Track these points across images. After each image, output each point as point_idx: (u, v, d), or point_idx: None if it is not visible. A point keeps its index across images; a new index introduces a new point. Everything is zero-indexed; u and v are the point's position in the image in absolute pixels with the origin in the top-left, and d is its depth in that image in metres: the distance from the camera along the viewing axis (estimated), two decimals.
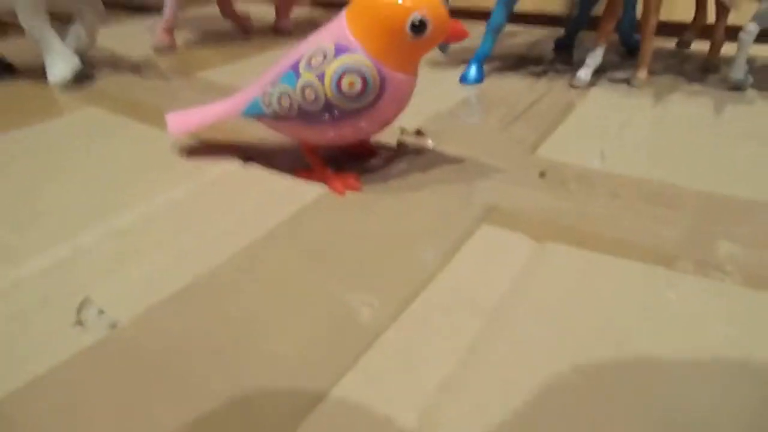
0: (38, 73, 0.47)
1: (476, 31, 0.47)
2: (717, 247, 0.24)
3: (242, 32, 0.63)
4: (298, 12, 0.68)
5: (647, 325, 0.20)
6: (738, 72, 0.42)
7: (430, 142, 0.35)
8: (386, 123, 0.29)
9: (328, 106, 0.27)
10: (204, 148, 0.35)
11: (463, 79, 0.46)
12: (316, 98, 0.26)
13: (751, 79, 0.43)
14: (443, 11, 0.26)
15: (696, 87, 0.45)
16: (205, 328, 0.21)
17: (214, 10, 0.64)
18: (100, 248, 0.25)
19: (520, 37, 0.60)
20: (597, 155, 0.34)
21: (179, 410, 0.17)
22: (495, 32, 0.46)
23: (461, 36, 0.27)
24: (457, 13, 0.50)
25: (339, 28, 0.26)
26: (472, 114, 0.41)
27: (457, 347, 0.19)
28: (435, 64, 0.51)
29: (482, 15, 0.46)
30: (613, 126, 0.38)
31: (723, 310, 0.21)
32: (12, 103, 0.44)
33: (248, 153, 0.34)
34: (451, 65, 0.50)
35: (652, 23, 0.42)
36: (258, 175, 0.32)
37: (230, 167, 0.32)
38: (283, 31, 0.63)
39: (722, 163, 0.32)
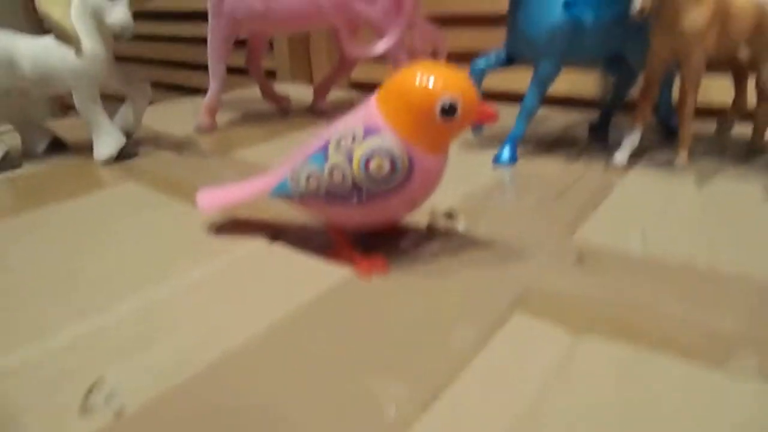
0: (87, 150, 0.49)
1: (510, 114, 0.47)
2: None
3: (281, 112, 0.66)
4: (336, 93, 0.71)
5: None
6: None
7: (461, 225, 0.34)
8: (415, 205, 0.28)
9: (356, 188, 0.26)
10: (234, 225, 0.35)
11: (497, 160, 0.46)
12: (344, 180, 0.26)
13: None
14: (473, 94, 0.26)
15: (741, 170, 0.43)
16: (216, 418, 0.19)
17: (255, 92, 0.67)
18: (117, 329, 0.25)
19: (555, 120, 0.60)
20: (638, 239, 0.32)
21: None
22: (528, 115, 0.46)
23: (491, 119, 0.27)
24: (490, 95, 0.51)
25: (369, 110, 0.27)
26: (506, 195, 0.40)
27: None
28: (468, 145, 0.51)
29: (516, 97, 0.47)
30: (655, 208, 0.36)
31: None
32: (59, 177, 0.46)
33: (277, 232, 0.33)
34: (484, 147, 0.50)
35: (690, 104, 0.41)
36: (285, 255, 0.31)
37: (258, 246, 0.32)
38: (320, 111, 0.65)
39: None
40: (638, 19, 0.37)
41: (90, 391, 0.21)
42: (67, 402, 0.20)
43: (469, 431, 0.19)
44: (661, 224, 0.34)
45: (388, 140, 0.25)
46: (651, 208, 0.36)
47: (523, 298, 0.26)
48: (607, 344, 0.23)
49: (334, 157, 0.26)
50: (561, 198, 0.39)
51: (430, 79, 0.25)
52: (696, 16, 0.38)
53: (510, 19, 0.45)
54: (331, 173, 0.26)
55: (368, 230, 0.32)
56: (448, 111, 0.25)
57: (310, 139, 0.29)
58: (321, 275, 0.29)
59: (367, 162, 0.26)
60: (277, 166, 0.30)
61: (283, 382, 0.21)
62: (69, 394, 0.21)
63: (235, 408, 0.20)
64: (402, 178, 0.26)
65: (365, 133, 0.26)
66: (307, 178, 0.27)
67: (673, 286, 0.27)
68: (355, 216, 0.28)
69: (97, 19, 0.45)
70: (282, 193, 0.29)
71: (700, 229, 0.33)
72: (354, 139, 0.26)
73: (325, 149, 0.27)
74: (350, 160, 0.26)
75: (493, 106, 0.27)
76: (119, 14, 0.44)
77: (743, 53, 0.45)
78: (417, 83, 0.25)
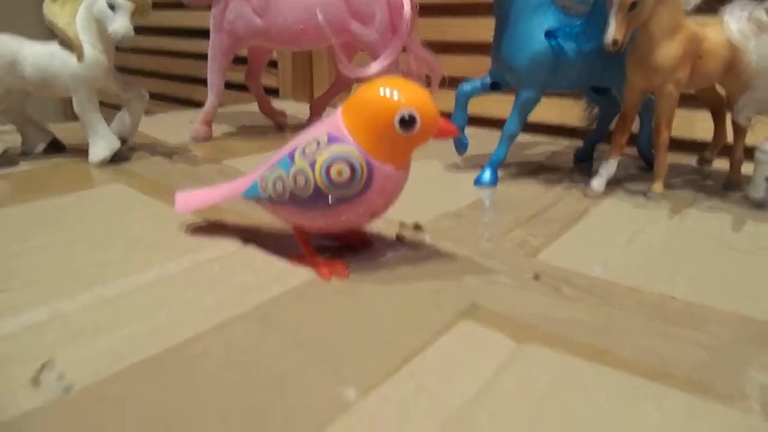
0: (83, 152, 0.51)
1: (493, 138, 0.49)
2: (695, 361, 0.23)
3: (277, 127, 0.67)
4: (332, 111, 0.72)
5: None
6: (757, 191, 0.41)
7: (427, 238, 0.35)
8: (375, 214, 0.29)
9: (317, 193, 0.27)
10: (213, 227, 0.36)
11: (477, 181, 0.47)
12: (306, 184, 0.27)
13: None
14: (433, 109, 0.27)
15: (715, 202, 0.44)
16: (156, 399, 0.20)
17: (254, 107, 0.69)
18: (77, 315, 0.26)
19: (541, 147, 0.62)
20: (600, 263, 0.33)
21: None
22: (509, 139, 0.47)
23: (451, 133, 0.28)
24: (472, 120, 0.52)
25: (334, 120, 0.28)
26: (480, 215, 0.41)
27: None
28: (451, 166, 0.53)
29: (499, 123, 0.48)
30: (623, 236, 0.37)
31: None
32: (52, 175, 0.48)
33: (252, 235, 0.35)
34: (467, 168, 0.52)
35: (664, 137, 0.42)
36: (253, 256, 0.32)
37: (229, 247, 0.33)
38: None
39: (737, 281, 0.31)
40: (612, 51, 0.39)
41: (42, 368, 0.22)
42: (20, 377, 0.21)
43: (397, 425, 0.19)
44: (625, 252, 0.34)
45: (349, 148, 0.27)
46: (619, 236, 0.37)
47: (474, 308, 0.27)
48: (548, 353, 0.23)
49: (300, 162, 0.28)
50: (533, 220, 0.39)
51: (391, 92, 0.26)
52: (668, 51, 0.39)
53: (494, 47, 0.47)
54: (295, 177, 0.28)
55: (335, 236, 0.33)
56: (407, 123, 0.26)
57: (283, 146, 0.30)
58: (284, 277, 0.29)
59: (328, 168, 0.27)
60: (251, 171, 0.32)
61: (224, 373, 0.22)
62: (22, 370, 0.22)
63: (177, 394, 0.21)
64: (361, 185, 0.27)
65: (329, 140, 0.27)
66: (275, 182, 0.29)
67: (623, 309, 0.27)
68: (318, 220, 0.29)
69: (100, 28, 0.47)
70: (252, 195, 0.31)
71: (664, 259, 0.34)
72: (318, 145, 0.27)
73: (292, 155, 0.28)
74: (313, 165, 0.27)
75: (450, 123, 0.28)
76: (120, 24, 0.46)
77: (720, 89, 0.47)
78: (378, 95, 0.27)
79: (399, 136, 0.27)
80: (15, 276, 0.29)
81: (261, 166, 0.31)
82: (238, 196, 0.31)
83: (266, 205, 0.31)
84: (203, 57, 0.61)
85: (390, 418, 0.19)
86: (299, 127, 0.68)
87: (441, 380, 0.22)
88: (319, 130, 0.28)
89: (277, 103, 0.71)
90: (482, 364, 0.23)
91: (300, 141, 0.29)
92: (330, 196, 0.27)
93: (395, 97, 0.26)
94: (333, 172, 0.27)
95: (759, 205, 0.42)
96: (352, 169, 0.27)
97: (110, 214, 0.38)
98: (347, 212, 0.28)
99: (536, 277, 0.30)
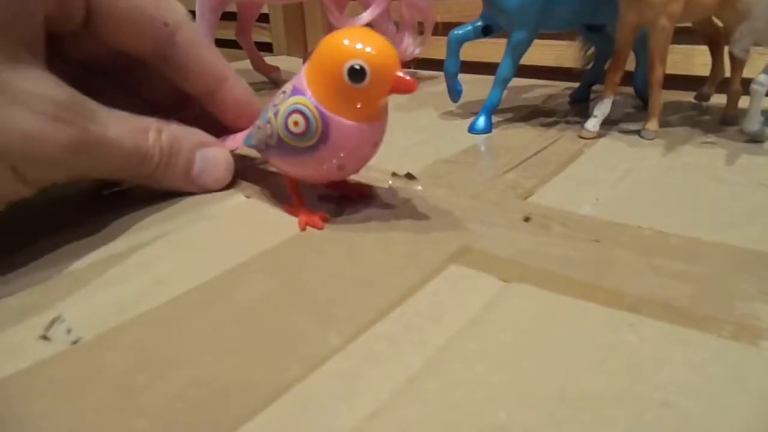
0: None
1: (488, 83, 0.48)
2: (676, 289, 0.23)
3: (272, 83, 0.67)
4: None
5: (599, 369, 0.20)
6: (752, 123, 0.41)
7: (419, 188, 0.35)
8: (343, 167, 0.29)
9: (281, 143, 0.28)
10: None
11: (471, 128, 0.47)
12: (272, 134, 0.28)
13: None
14: (387, 60, 0.26)
15: (711, 138, 0.44)
16: (156, 346, 0.21)
17: (246, 64, 0.69)
18: (85, 272, 0.27)
19: (537, 90, 0.61)
20: (591, 202, 0.33)
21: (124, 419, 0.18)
22: (503, 82, 0.47)
23: (407, 88, 0.26)
24: (466, 65, 0.51)
25: (300, 72, 0.28)
26: (473, 161, 0.41)
27: (396, 380, 0.19)
28: (446, 114, 0.52)
29: (493, 67, 0.48)
30: (615, 174, 0.37)
31: (680, 355, 0.20)
32: None
33: (253, 190, 0.35)
34: (462, 116, 0.52)
35: (658, 73, 0.42)
36: (255, 209, 0.33)
37: (232, 202, 0.34)
38: None
39: (725, 213, 0.31)
40: None
41: (52, 323, 0.23)
42: (31, 330, 0.22)
43: (387, 362, 0.20)
44: (616, 189, 0.35)
45: (304, 100, 0.27)
46: (611, 175, 0.37)
47: (463, 251, 0.27)
48: (533, 289, 0.24)
49: (270, 112, 0.29)
50: (526, 163, 0.40)
51: (343, 42, 0.26)
52: None
53: None
54: (265, 127, 0.29)
55: (333, 187, 0.34)
56: (357, 75, 0.25)
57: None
58: (279, 228, 0.30)
59: (286, 118, 0.27)
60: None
61: (222, 320, 0.23)
62: (31, 324, 0.23)
63: (172, 341, 0.22)
64: (317, 137, 0.27)
65: (292, 92, 0.27)
66: (256, 131, 0.30)
67: (611, 244, 0.28)
68: (294, 170, 0.30)
69: None
70: (248, 143, 0.32)
71: (655, 195, 0.34)
72: (284, 95, 0.28)
73: (268, 105, 0.30)
74: (276, 115, 0.28)
75: (410, 76, 0.26)
76: None
77: (718, 22, 0.46)
78: (331, 46, 0.26)
79: (351, 87, 0.26)
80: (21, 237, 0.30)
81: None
82: (240, 144, 0.34)
83: (259, 152, 0.32)
84: (191, 15, 0.60)
85: (380, 354, 0.21)
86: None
87: (429, 319, 0.23)
88: (290, 82, 0.29)
89: (272, 59, 0.70)
90: (469, 302, 0.23)
91: (278, 91, 0.29)
92: (292, 147, 0.28)
93: (345, 48, 0.25)
94: (290, 122, 0.27)
95: (754, 138, 0.42)
96: (307, 120, 0.27)
97: None
98: (313, 164, 0.28)
99: (527, 219, 0.31)
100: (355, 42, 0.25)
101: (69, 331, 0.22)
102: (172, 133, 0.32)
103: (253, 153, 0.36)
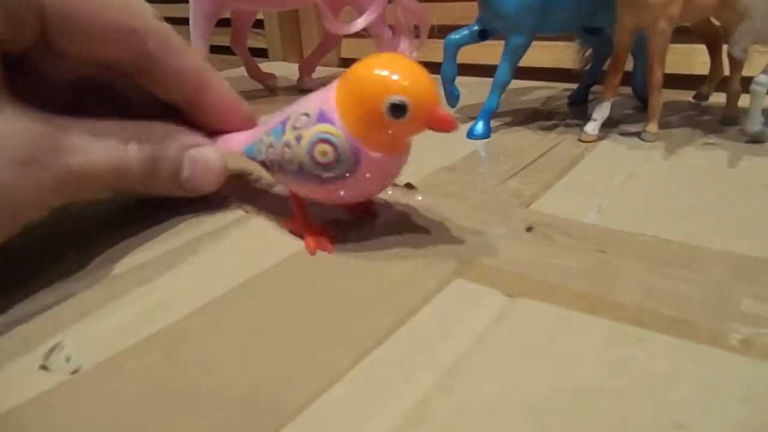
0: None
1: (486, 87, 0.48)
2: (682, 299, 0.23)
3: (268, 91, 0.66)
4: (325, 71, 0.71)
5: (609, 386, 0.19)
6: (753, 124, 0.41)
7: (419, 198, 0.35)
8: (371, 194, 0.28)
9: (302, 169, 0.26)
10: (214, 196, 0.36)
11: (470, 134, 0.47)
12: (292, 159, 0.27)
13: None
14: (429, 96, 0.24)
15: (712, 139, 0.43)
16: (160, 374, 0.21)
17: (241, 71, 0.68)
18: (84, 295, 0.26)
19: (536, 92, 0.61)
20: (594, 209, 0.33)
21: None
22: (500, 87, 0.46)
23: (445, 127, 0.25)
24: (463, 69, 0.51)
25: (328, 94, 0.26)
26: (473, 168, 0.41)
27: (405, 402, 0.19)
28: None
29: (491, 70, 0.47)
30: (617, 179, 0.37)
31: (689, 372, 0.20)
32: None
33: (251, 203, 0.35)
34: (460, 121, 0.51)
35: (658, 76, 0.41)
36: (254, 224, 0.33)
37: (231, 217, 0.33)
38: (306, 89, 0.66)
39: (731, 218, 0.31)
40: None
41: (51, 351, 0.22)
42: (30, 360, 0.22)
43: (395, 384, 0.20)
44: (619, 196, 0.35)
45: (335, 131, 0.25)
46: (613, 180, 0.37)
47: (466, 265, 0.27)
48: (541, 305, 0.24)
49: (289, 134, 0.27)
50: (527, 170, 0.39)
51: (383, 75, 0.24)
52: None
53: None
54: (283, 149, 0.27)
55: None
56: (397, 110, 0.24)
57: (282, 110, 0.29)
58: (280, 245, 0.30)
59: (313, 146, 0.25)
60: (257, 127, 0.32)
61: (229, 340, 0.23)
62: (33, 353, 0.22)
63: (180, 365, 0.21)
64: (346, 170, 0.25)
65: (318, 117, 0.25)
66: (267, 148, 0.28)
67: (616, 254, 0.28)
68: (310, 193, 0.28)
69: None
70: (250, 154, 0.30)
71: (659, 200, 0.34)
72: (308, 119, 0.26)
73: (285, 123, 0.27)
74: (299, 140, 0.26)
75: (451, 115, 0.25)
76: None
77: (716, 22, 0.45)
78: (370, 76, 0.24)
79: (388, 122, 0.24)
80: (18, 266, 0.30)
81: (263, 126, 0.30)
82: (238, 151, 0.31)
83: (266, 170, 0.30)
84: (185, 22, 0.60)
85: (388, 377, 0.20)
86: (291, 89, 0.67)
87: (436, 337, 0.22)
88: (313, 101, 0.27)
89: (268, 65, 0.70)
90: (475, 319, 0.23)
91: (294, 109, 0.27)
92: (315, 175, 0.26)
93: (387, 82, 0.24)
94: (317, 152, 0.25)
95: (755, 139, 0.41)
96: (337, 152, 0.25)
97: None
98: (337, 191, 0.27)
99: (529, 229, 0.31)
100: (397, 74, 0.24)
101: (68, 359, 0.22)
102: (157, 139, 0.30)
103: (246, 166, 0.36)
